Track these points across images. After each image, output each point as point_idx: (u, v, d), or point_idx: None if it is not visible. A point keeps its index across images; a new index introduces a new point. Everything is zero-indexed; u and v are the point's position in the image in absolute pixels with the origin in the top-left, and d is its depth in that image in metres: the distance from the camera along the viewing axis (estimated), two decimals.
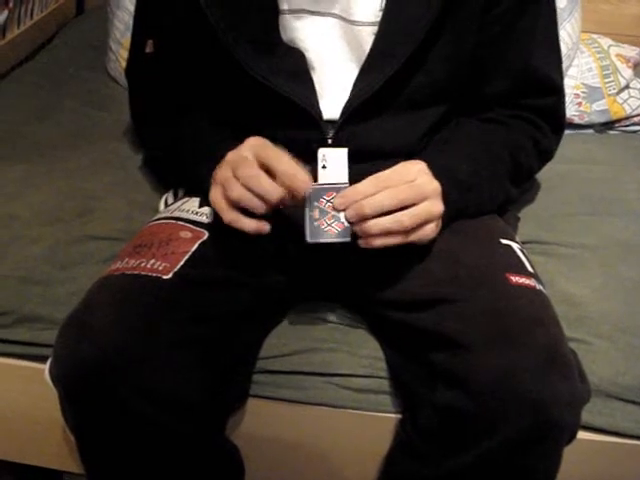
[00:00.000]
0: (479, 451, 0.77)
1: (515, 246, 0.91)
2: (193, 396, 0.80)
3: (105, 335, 0.77)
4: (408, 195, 0.79)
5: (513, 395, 0.74)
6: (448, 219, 0.86)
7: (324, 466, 1.00)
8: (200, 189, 0.90)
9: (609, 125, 1.46)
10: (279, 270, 0.92)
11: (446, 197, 0.83)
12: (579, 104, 1.43)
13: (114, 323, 0.78)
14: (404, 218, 0.79)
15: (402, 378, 0.90)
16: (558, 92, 1.00)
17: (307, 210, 0.80)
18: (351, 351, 0.95)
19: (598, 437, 0.92)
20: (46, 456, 1.09)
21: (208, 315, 0.83)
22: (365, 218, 0.78)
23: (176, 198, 1.04)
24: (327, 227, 0.80)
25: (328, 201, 0.80)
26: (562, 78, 1.01)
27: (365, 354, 0.95)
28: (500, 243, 0.90)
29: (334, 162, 0.82)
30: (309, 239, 0.80)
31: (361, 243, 0.79)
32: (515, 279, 0.83)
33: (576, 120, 1.43)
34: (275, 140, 0.82)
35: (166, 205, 1.05)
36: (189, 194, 1.00)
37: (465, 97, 0.98)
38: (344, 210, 0.79)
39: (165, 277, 0.82)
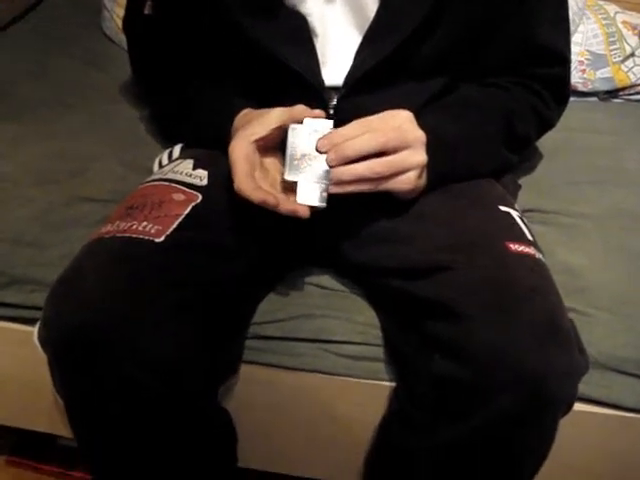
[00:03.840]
0: (474, 422, 0.75)
1: (514, 213, 0.89)
2: (184, 361, 0.79)
3: (94, 299, 0.75)
4: (390, 139, 0.79)
5: (510, 366, 0.73)
6: (434, 177, 0.85)
7: (317, 433, 0.99)
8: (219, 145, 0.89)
9: (613, 93, 1.45)
10: (273, 235, 0.90)
11: (430, 151, 0.82)
12: (583, 71, 1.41)
13: (104, 287, 0.76)
14: (377, 165, 0.79)
15: (397, 346, 0.89)
16: (564, 63, 0.98)
17: (288, 148, 0.80)
18: (346, 318, 0.94)
19: (595, 409, 0.91)
20: (38, 420, 1.08)
21: (200, 280, 0.81)
22: (346, 160, 0.78)
23: (170, 159, 1.02)
24: (306, 167, 0.79)
25: (311, 142, 0.80)
26: (569, 49, 0.99)
27: (360, 321, 0.93)
28: (499, 210, 0.88)
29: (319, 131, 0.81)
30: (287, 176, 0.79)
31: (332, 189, 0.79)
32: (514, 247, 0.81)
33: (580, 87, 1.41)
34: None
35: (160, 166, 1.02)
36: (183, 155, 0.98)
37: (470, 65, 0.96)
38: (326, 152, 0.78)
39: (157, 240, 0.80)
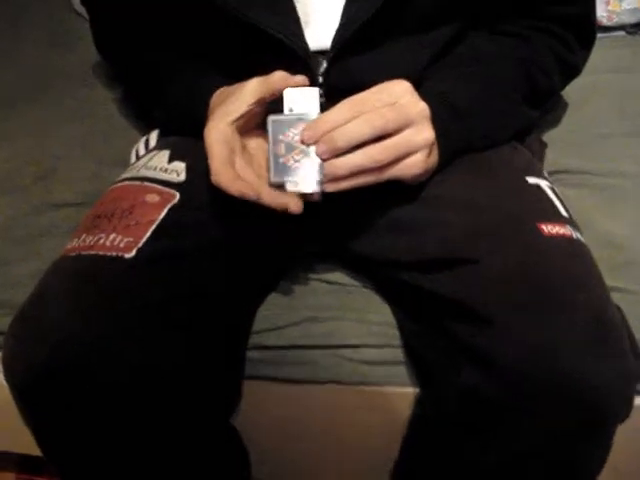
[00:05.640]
0: (509, 444, 0.66)
1: (544, 184, 0.78)
2: (177, 390, 0.71)
3: (60, 332, 0.67)
4: (389, 120, 0.68)
5: (551, 378, 0.62)
6: (447, 151, 0.75)
7: (335, 449, 0.91)
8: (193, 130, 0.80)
9: None
10: (266, 228, 0.79)
11: (438, 121, 0.72)
12: (607, 3, 1.28)
13: (70, 317, 0.67)
14: (377, 152, 0.68)
15: (418, 350, 0.79)
16: None
17: (270, 145, 0.70)
18: (358, 318, 0.85)
19: None
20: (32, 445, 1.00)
21: (183, 295, 0.72)
22: (338, 152, 0.67)
23: (147, 148, 0.93)
24: (294, 164, 0.69)
25: (296, 134, 0.69)
26: None
27: (375, 320, 0.85)
28: (527, 183, 0.77)
29: (303, 104, 0.71)
30: (272, 178, 0.69)
31: (327, 188, 0.68)
32: (548, 229, 0.71)
33: (604, 22, 1.29)
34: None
35: (137, 157, 0.94)
36: (159, 145, 0.89)
37: (479, 10, 0.84)
38: (314, 144, 0.68)
39: (127, 256, 0.71)
